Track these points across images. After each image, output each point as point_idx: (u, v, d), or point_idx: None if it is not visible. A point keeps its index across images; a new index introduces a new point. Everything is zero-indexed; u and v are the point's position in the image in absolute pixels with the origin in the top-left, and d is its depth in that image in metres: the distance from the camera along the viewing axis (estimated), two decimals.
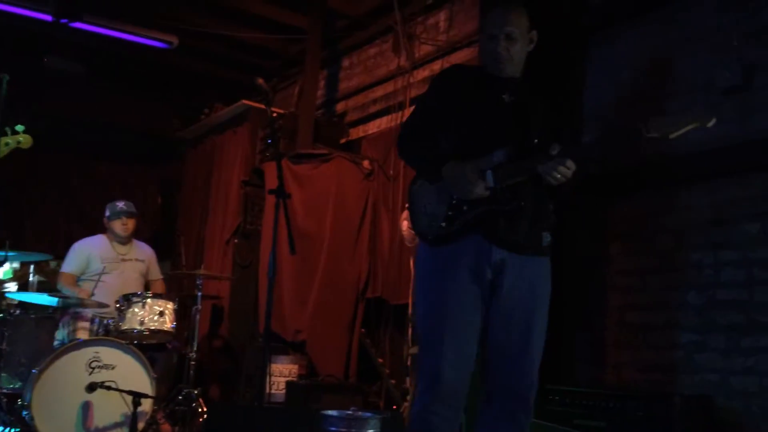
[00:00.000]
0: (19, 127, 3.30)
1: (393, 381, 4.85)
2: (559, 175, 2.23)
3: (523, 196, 2.32)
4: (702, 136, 3.40)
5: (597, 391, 3.29)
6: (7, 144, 3.25)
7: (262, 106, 5.75)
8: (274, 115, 5.59)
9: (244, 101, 6.24)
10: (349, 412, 2.91)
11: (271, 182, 5.29)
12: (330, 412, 2.90)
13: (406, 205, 2.68)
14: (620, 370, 3.61)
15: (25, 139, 3.32)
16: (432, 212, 2.40)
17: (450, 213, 2.36)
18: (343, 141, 5.99)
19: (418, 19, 5.45)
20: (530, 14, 2.45)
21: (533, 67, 3.98)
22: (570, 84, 4.10)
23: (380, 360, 5.06)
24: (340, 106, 6.29)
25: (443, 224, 2.36)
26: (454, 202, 2.35)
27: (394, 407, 4.57)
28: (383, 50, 5.85)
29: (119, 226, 4.78)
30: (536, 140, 2.34)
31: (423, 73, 5.27)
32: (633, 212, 3.71)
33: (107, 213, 4.83)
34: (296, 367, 4.92)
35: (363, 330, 5.26)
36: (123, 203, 4.84)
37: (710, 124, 2.11)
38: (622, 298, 3.67)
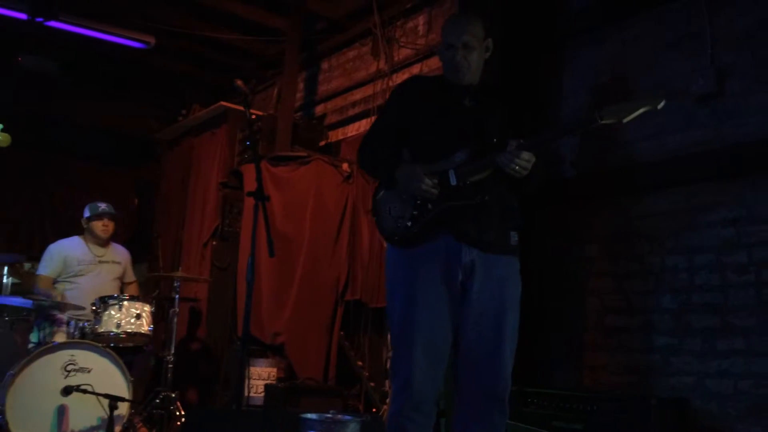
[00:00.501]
0: None
1: (372, 384, 4.85)
2: (517, 167, 2.29)
3: (487, 191, 2.37)
4: (678, 142, 3.48)
5: (574, 393, 3.33)
6: None
7: (241, 108, 5.67)
8: (253, 117, 5.53)
9: (223, 103, 6.20)
10: (329, 415, 2.90)
11: (250, 184, 5.25)
12: (309, 415, 2.90)
13: (369, 210, 2.70)
14: (597, 373, 3.65)
15: (3, 138, 3.24)
16: (397, 214, 2.44)
17: (415, 212, 2.40)
18: (322, 143, 5.99)
19: (397, 22, 5.47)
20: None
21: (507, 72, 4.03)
22: (546, 89, 4.15)
23: (359, 363, 5.05)
24: (319, 109, 6.29)
25: (409, 224, 2.40)
26: (418, 202, 2.40)
27: (374, 410, 4.57)
28: (362, 53, 5.86)
29: (100, 228, 4.72)
30: (495, 139, 2.40)
31: (402, 77, 5.28)
32: (610, 216, 3.76)
33: (87, 213, 4.76)
34: (275, 370, 4.90)
35: (342, 333, 5.25)
36: (105, 204, 4.77)
37: (660, 105, 2.24)
38: (599, 301, 3.72)
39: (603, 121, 2.24)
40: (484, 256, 2.37)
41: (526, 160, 2.28)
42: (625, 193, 3.71)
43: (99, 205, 4.76)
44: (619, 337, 3.60)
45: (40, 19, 5.42)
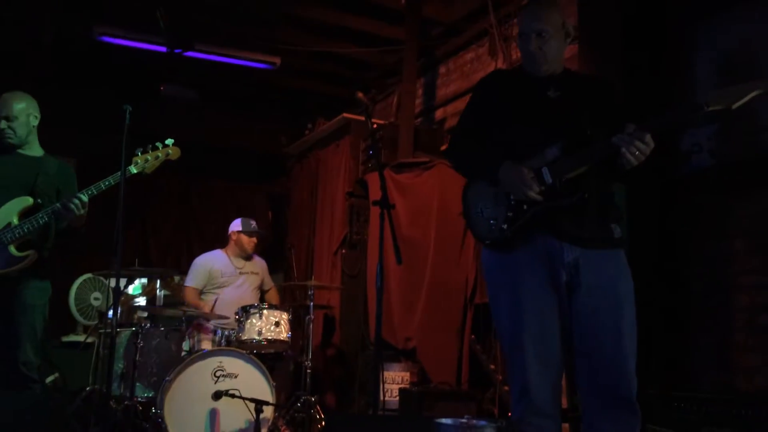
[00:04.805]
0: (169, 141, 3.49)
1: (506, 387, 4.78)
2: (637, 152, 2.15)
3: (586, 188, 2.25)
4: None
5: (726, 397, 3.11)
6: (157, 157, 3.45)
7: (362, 118, 5.87)
8: (375, 126, 5.69)
9: (345, 114, 6.38)
10: (464, 420, 2.89)
11: (375, 193, 5.37)
12: (445, 421, 2.90)
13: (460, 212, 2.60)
14: (751, 376, 3.39)
15: (173, 151, 3.49)
16: (490, 215, 2.36)
17: (510, 214, 2.31)
18: (443, 148, 6.00)
19: (513, 20, 5.38)
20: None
21: (639, 60, 3.84)
22: (675, 73, 3.92)
23: (492, 366, 5.00)
24: (438, 113, 6.31)
25: (504, 226, 2.32)
26: (512, 202, 2.31)
27: (509, 414, 4.50)
28: (479, 54, 5.82)
29: (248, 242, 5.10)
30: (589, 132, 2.28)
31: None
32: (757, 208, 3.48)
33: (239, 227, 5.10)
34: (408, 374, 4.97)
35: (473, 336, 5.23)
36: (255, 223, 5.15)
37: None
38: (749, 299, 3.46)
39: (710, 108, 2.08)
40: (587, 252, 2.27)
41: (646, 143, 2.15)
42: None
43: (251, 222, 5.13)
44: None
45: (178, 51, 5.85)
